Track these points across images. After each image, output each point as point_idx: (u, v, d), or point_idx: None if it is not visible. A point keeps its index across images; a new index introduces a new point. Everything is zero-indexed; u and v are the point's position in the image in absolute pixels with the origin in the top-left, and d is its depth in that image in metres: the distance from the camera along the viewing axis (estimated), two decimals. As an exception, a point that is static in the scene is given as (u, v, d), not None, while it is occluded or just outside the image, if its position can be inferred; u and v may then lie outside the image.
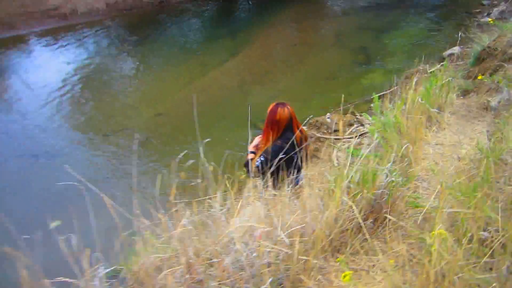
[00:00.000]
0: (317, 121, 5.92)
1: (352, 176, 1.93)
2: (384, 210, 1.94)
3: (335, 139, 5.37)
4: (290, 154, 2.67)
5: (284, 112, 2.79)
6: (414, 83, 3.34)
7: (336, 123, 5.76)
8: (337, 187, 1.87)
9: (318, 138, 5.40)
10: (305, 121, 6.23)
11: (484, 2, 9.75)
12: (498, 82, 3.02)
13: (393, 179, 1.93)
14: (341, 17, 10.77)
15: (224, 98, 7.75)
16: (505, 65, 3.49)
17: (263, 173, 2.72)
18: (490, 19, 5.27)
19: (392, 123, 2.60)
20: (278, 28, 10.60)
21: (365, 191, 1.90)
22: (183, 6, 12.31)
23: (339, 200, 1.84)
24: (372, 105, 7.03)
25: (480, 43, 5.40)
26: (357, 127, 5.74)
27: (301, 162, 2.83)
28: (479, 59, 5.33)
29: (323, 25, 10.44)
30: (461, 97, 3.66)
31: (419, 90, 3.22)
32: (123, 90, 8.32)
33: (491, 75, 4.22)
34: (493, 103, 3.02)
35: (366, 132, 5.42)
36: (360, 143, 5.17)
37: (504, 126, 2.50)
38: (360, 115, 6.11)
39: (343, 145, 5.27)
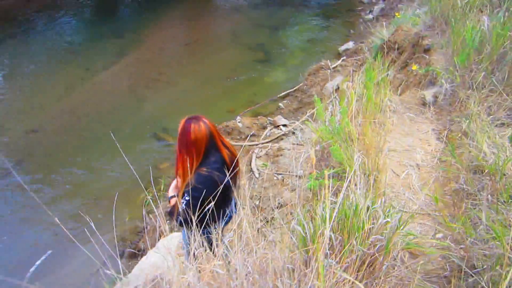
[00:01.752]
0: (227, 126, 5.36)
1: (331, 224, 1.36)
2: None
3: (250, 145, 4.89)
4: (225, 183, 2.04)
5: (200, 128, 2.05)
6: (328, 88, 3.01)
7: (248, 127, 5.28)
8: (317, 249, 1.27)
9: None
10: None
11: (365, 1, 10.35)
12: (436, 74, 2.88)
13: (389, 220, 1.44)
14: (232, 14, 10.38)
15: (115, 107, 6.67)
16: (426, 56, 3.43)
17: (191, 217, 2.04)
18: (396, 13, 5.34)
19: (342, 131, 2.16)
20: (167, 26, 9.73)
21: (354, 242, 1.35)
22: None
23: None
24: (280, 104, 6.81)
25: (380, 36, 5.47)
26: (271, 129, 5.35)
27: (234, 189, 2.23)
28: (381, 53, 5.39)
29: (216, 23, 9.93)
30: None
31: (356, 88, 2.90)
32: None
33: (401, 68, 4.19)
34: (429, 97, 2.87)
35: (283, 135, 5.06)
36: (279, 148, 4.78)
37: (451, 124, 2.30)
38: (271, 118, 5.76)
39: (261, 151, 4.82)
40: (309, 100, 6.30)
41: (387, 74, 3.19)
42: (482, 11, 3.15)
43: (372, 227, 1.36)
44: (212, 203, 1.88)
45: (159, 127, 6.28)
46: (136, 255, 4.17)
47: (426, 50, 3.62)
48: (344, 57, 6.98)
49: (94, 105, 6.66)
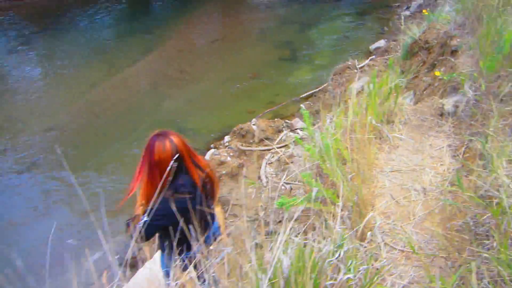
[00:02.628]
0: (241, 128, 5.15)
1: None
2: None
3: (263, 150, 4.64)
4: (195, 207, 1.83)
5: (165, 148, 1.83)
6: (352, 90, 2.70)
7: (263, 130, 5.03)
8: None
9: (243, 152, 4.62)
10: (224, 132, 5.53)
11: (403, -4, 9.73)
12: (461, 80, 2.49)
13: (350, 276, 1.16)
14: (264, 10, 10.11)
15: (134, 105, 6.66)
16: (451, 59, 3.01)
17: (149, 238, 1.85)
18: (424, 10, 4.87)
19: (331, 149, 1.87)
20: (197, 23, 9.64)
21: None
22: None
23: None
24: (302, 106, 6.48)
25: (410, 35, 5.01)
26: (287, 133, 5.07)
27: (210, 210, 2.01)
28: (410, 53, 4.94)
29: (246, 20, 9.70)
30: (409, 102, 3.10)
31: (360, 96, 2.59)
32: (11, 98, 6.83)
33: (429, 70, 3.77)
34: (448, 106, 2.48)
35: (301, 138, 4.76)
36: (291, 155, 4.50)
37: (473, 140, 1.94)
38: (289, 120, 5.47)
39: (273, 156, 4.56)
40: (333, 102, 5.95)
41: (401, 80, 2.81)
42: (521, 8, 2.70)
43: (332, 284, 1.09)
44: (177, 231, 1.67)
45: (176, 127, 6.17)
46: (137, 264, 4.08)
47: (454, 52, 3.20)
48: (374, 56, 6.53)
49: (113, 104, 6.67)
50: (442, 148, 2.21)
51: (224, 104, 6.62)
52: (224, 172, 4.27)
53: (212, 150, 5.15)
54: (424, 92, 3.58)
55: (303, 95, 6.51)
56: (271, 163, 4.39)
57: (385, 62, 6.07)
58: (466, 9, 3.34)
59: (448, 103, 2.52)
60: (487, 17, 2.65)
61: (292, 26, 8.95)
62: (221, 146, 5.29)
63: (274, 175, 4.11)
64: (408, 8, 8.78)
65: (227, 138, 5.35)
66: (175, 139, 1.90)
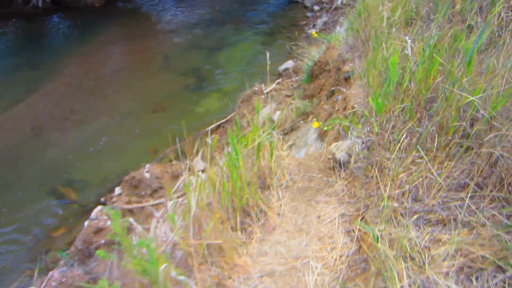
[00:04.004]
0: (133, 177, 4.34)
1: None
2: None
3: (154, 205, 3.88)
4: None
5: None
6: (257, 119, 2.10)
7: (157, 178, 4.28)
8: None
9: (128, 211, 3.82)
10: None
11: (308, 14, 9.65)
12: (342, 127, 1.98)
13: None
14: (170, 35, 9.40)
15: (13, 153, 5.56)
16: (343, 89, 2.55)
17: None
18: (313, 32, 4.51)
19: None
20: (96, 53, 8.66)
21: None
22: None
23: None
24: (208, 140, 5.83)
25: (310, 57, 4.63)
26: (185, 178, 4.35)
27: None
28: (312, 75, 4.55)
29: (150, 45, 8.90)
30: (293, 152, 2.56)
31: (224, 161, 2.00)
32: None
33: (328, 97, 3.32)
34: (340, 154, 1.94)
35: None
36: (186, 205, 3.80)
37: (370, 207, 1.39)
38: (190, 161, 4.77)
39: (165, 212, 3.81)
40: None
41: (274, 132, 2.28)
42: (408, 26, 2.32)
43: None
44: None
45: (62, 179, 5.20)
46: None
47: (347, 79, 2.77)
48: (280, 80, 6.12)
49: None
50: (333, 221, 1.66)
51: (121, 146, 5.77)
52: (101, 242, 3.43)
53: (99, 208, 4.27)
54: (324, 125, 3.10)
55: (210, 127, 5.86)
56: (164, 220, 3.63)
57: (292, 85, 5.68)
58: (354, 30, 2.95)
59: (341, 150, 2.00)
60: (373, 41, 2.22)
61: (198, 51, 8.35)
62: (113, 200, 4.43)
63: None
64: (314, 26, 8.65)
65: (117, 190, 4.52)
66: None
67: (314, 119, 3.82)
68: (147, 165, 4.56)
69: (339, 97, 2.92)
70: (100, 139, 5.87)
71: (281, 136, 2.60)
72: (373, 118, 1.86)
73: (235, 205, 1.68)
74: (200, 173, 4.39)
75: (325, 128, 2.31)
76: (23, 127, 6.19)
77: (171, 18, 10.36)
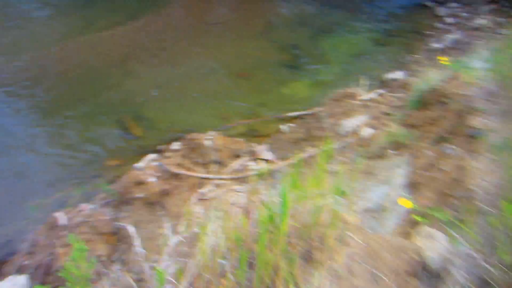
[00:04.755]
0: (193, 140, 4.13)
1: None
2: None
3: (203, 178, 3.63)
4: None
5: None
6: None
7: (217, 150, 4.02)
8: None
9: (176, 175, 3.61)
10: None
11: (438, 25, 8.51)
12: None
13: None
14: (279, 3, 8.93)
15: (94, 74, 5.67)
16: (466, 156, 1.95)
17: None
18: (441, 58, 3.79)
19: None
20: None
21: None
22: None
23: None
24: (283, 127, 5.37)
25: (426, 79, 3.94)
26: (245, 162, 4.05)
27: None
28: (422, 103, 3.88)
29: (257, 8, 8.53)
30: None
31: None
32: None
33: (435, 142, 2.71)
34: (432, 255, 1.39)
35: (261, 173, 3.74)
36: (236, 192, 3.49)
37: None
38: (257, 144, 4.43)
39: (212, 190, 3.55)
40: (319, 134, 4.89)
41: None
42: None
43: None
44: None
45: (132, 113, 5.18)
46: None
47: (471, 137, 2.15)
48: (382, 91, 5.43)
49: (74, 66, 5.69)
50: None
51: (197, 99, 5.60)
52: (140, 195, 3.28)
53: (151, 156, 4.16)
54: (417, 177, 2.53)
55: (290, 114, 5.46)
56: (205, 199, 3.38)
57: (393, 103, 4.99)
58: (500, 74, 2.27)
59: (433, 250, 1.44)
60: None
61: (302, 29, 7.79)
62: (167, 152, 4.29)
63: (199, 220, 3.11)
64: (440, 40, 7.61)
65: (175, 144, 4.36)
66: None
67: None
68: (212, 132, 4.32)
69: (451, 151, 2.31)
70: (178, 86, 5.76)
71: (362, 161, 2.10)
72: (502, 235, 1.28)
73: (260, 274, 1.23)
74: (263, 162, 4.06)
75: (418, 219, 1.73)
76: (112, 51, 6.26)
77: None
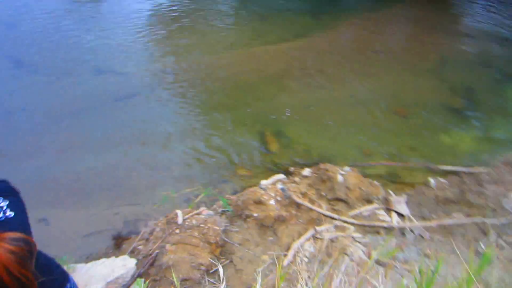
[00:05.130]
0: (326, 171, 3.84)
1: None
2: None
3: (325, 215, 3.30)
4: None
5: None
6: None
7: (348, 188, 3.64)
8: None
9: (297, 204, 3.37)
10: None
11: None
12: None
13: None
14: (463, 39, 7.82)
15: (250, 84, 5.92)
16: None
17: None
18: None
19: None
20: (379, 23, 8.13)
21: None
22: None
23: None
24: (432, 181, 4.51)
25: None
26: (376, 210, 3.55)
27: None
28: None
29: (431, 40, 7.65)
30: None
31: None
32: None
33: None
34: None
35: (386, 228, 3.24)
36: (347, 245, 3.03)
37: None
38: (393, 192, 3.84)
39: (330, 231, 3.19)
40: (476, 200, 4.00)
41: None
42: None
43: None
44: None
45: (274, 128, 5.19)
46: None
47: None
48: None
49: (233, 74, 6.06)
50: None
51: (342, 127, 5.28)
52: (254, 214, 3.16)
53: (277, 177, 4.04)
54: None
55: (444, 167, 4.65)
56: (319, 239, 3.05)
57: None
58: None
59: None
60: None
61: (486, 71, 6.65)
62: (296, 176, 4.12)
63: (307, 260, 2.80)
64: None
65: (307, 171, 4.14)
66: None
67: None
68: (347, 168, 3.95)
69: None
70: (327, 110, 5.54)
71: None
72: None
73: None
74: (396, 216, 3.51)
75: None
76: (271, 66, 6.39)
77: (484, 18, 8.61)
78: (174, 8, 7.94)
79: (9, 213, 1.17)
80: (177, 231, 2.86)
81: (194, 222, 2.94)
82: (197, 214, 3.12)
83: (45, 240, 3.48)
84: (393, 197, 3.66)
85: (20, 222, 1.18)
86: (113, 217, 3.65)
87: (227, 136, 5.00)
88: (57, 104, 5.11)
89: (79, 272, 2.72)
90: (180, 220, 2.95)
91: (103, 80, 5.66)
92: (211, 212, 3.22)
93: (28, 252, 1.10)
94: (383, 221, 3.39)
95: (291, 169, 4.43)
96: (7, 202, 1.19)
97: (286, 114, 5.32)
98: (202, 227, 2.91)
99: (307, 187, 3.66)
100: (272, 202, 3.24)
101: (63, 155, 4.43)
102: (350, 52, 6.98)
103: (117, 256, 2.86)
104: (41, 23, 6.91)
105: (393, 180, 4.41)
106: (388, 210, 3.58)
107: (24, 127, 4.77)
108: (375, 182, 3.85)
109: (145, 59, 6.17)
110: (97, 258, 3.04)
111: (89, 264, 2.80)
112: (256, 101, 5.58)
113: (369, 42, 7.33)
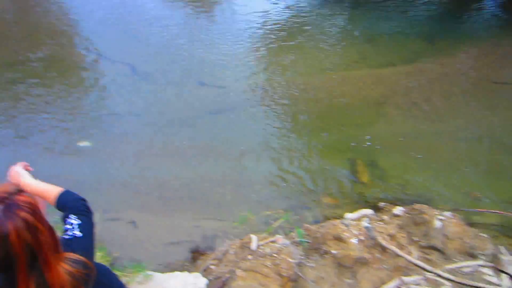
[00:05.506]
0: (420, 213, 3.42)
1: None
2: None
3: (414, 264, 2.91)
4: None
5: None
6: None
7: (446, 236, 3.17)
8: None
9: (382, 247, 3.03)
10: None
11: None
12: None
13: None
14: None
15: (348, 107, 5.67)
16: None
17: None
18: None
19: None
20: (498, 49, 7.14)
21: None
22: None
23: None
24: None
25: None
26: (479, 267, 3.01)
27: None
28: None
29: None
30: None
31: None
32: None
33: None
34: None
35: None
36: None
37: None
38: (505, 248, 3.21)
39: (419, 284, 2.78)
40: None
41: None
42: None
43: None
44: None
45: (366, 157, 4.85)
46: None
47: None
48: None
49: (332, 96, 5.86)
50: None
51: (445, 164, 4.72)
52: (332, 251, 2.92)
53: (364, 211, 3.73)
54: None
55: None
56: (405, 293, 2.67)
57: None
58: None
59: None
60: None
61: None
62: (385, 214, 3.76)
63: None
64: None
65: (398, 210, 3.74)
66: (24, 215, 0.98)
67: None
68: (447, 213, 3.45)
69: None
70: (428, 144, 5.00)
71: None
72: None
73: None
74: (508, 278, 2.92)
75: None
76: (373, 90, 6.01)
77: None
78: (282, 25, 8.02)
79: (78, 234, 1.19)
80: (250, 257, 2.78)
81: (268, 250, 2.82)
82: (272, 242, 3.00)
83: (131, 242, 3.71)
84: (505, 255, 3.07)
85: (85, 244, 1.19)
86: (194, 229, 3.73)
87: (316, 160, 4.82)
88: (158, 112, 5.49)
89: (155, 281, 2.80)
90: (254, 246, 2.86)
91: (204, 92, 5.92)
92: (287, 242, 3.07)
93: (86, 276, 1.11)
94: (490, 282, 2.86)
95: (381, 204, 4.06)
96: (79, 222, 1.22)
97: (397, 144, 4.92)
98: (275, 257, 2.78)
99: (397, 229, 3.28)
100: (354, 240, 2.97)
101: (156, 160, 4.71)
102: (466, 82, 6.24)
103: (190, 272, 2.89)
104: (158, 35, 7.51)
105: (507, 233, 3.74)
106: (497, 270, 3.01)
107: (129, 131, 5.16)
108: (482, 234, 3.29)
109: (246, 74, 6.31)
110: (174, 269, 3.11)
111: (166, 275, 2.88)
112: (351, 126, 5.30)
113: (488, 71, 6.47)
